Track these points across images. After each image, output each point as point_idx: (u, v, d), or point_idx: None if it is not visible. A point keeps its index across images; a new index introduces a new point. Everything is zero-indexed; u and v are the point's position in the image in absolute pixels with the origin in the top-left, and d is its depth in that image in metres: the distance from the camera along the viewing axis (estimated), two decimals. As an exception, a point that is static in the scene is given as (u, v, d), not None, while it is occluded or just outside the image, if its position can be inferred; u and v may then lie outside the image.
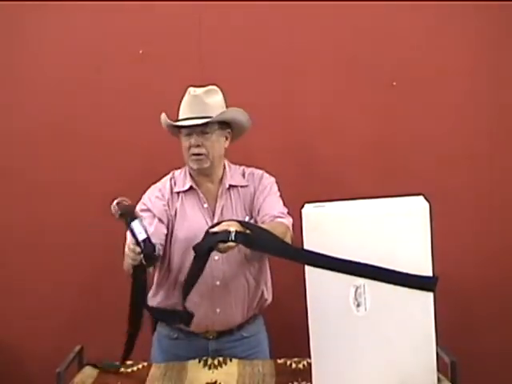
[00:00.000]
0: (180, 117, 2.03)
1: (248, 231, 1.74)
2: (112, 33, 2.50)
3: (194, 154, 1.99)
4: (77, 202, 2.52)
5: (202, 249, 1.76)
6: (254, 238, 1.73)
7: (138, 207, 2.01)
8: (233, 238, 1.68)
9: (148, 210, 2.02)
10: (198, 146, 1.98)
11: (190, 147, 1.99)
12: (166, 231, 2.01)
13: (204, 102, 1.99)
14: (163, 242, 1.99)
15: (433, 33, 2.51)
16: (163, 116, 2.05)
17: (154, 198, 2.05)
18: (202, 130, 1.97)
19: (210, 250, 1.75)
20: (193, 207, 2.04)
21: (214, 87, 2.04)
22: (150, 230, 1.86)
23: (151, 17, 2.49)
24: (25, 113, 2.52)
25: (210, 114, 1.98)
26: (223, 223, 1.75)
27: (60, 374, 1.66)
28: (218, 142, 2.03)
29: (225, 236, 1.69)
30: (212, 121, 1.98)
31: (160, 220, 2.00)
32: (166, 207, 2.04)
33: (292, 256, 1.67)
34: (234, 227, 1.70)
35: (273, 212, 1.99)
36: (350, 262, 1.54)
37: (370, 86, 2.52)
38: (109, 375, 1.82)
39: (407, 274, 1.53)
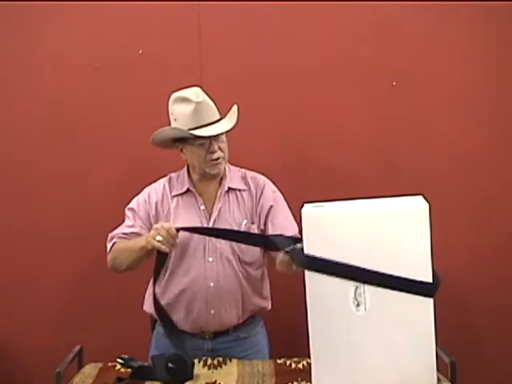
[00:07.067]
0: (188, 126, 1.95)
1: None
2: (111, 33, 2.50)
3: (214, 160, 1.98)
4: (76, 201, 2.53)
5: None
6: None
7: (128, 206, 2.09)
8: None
9: (134, 212, 2.07)
10: (217, 151, 1.98)
11: (207, 154, 1.97)
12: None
13: (210, 105, 1.98)
14: None
15: (433, 33, 2.51)
16: (171, 130, 1.98)
17: (141, 201, 2.08)
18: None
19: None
20: (188, 209, 2.04)
21: (197, 88, 2.01)
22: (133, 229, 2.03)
23: (151, 17, 2.49)
24: (23, 113, 2.51)
25: (217, 116, 1.99)
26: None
27: (59, 374, 1.66)
28: (227, 142, 2.04)
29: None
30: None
31: (142, 224, 2.05)
32: (153, 211, 2.05)
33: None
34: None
35: (286, 233, 1.91)
36: (350, 266, 1.52)
37: (370, 86, 2.52)
38: (108, 375, 1.81)
39: (407, 280, 1.52)
